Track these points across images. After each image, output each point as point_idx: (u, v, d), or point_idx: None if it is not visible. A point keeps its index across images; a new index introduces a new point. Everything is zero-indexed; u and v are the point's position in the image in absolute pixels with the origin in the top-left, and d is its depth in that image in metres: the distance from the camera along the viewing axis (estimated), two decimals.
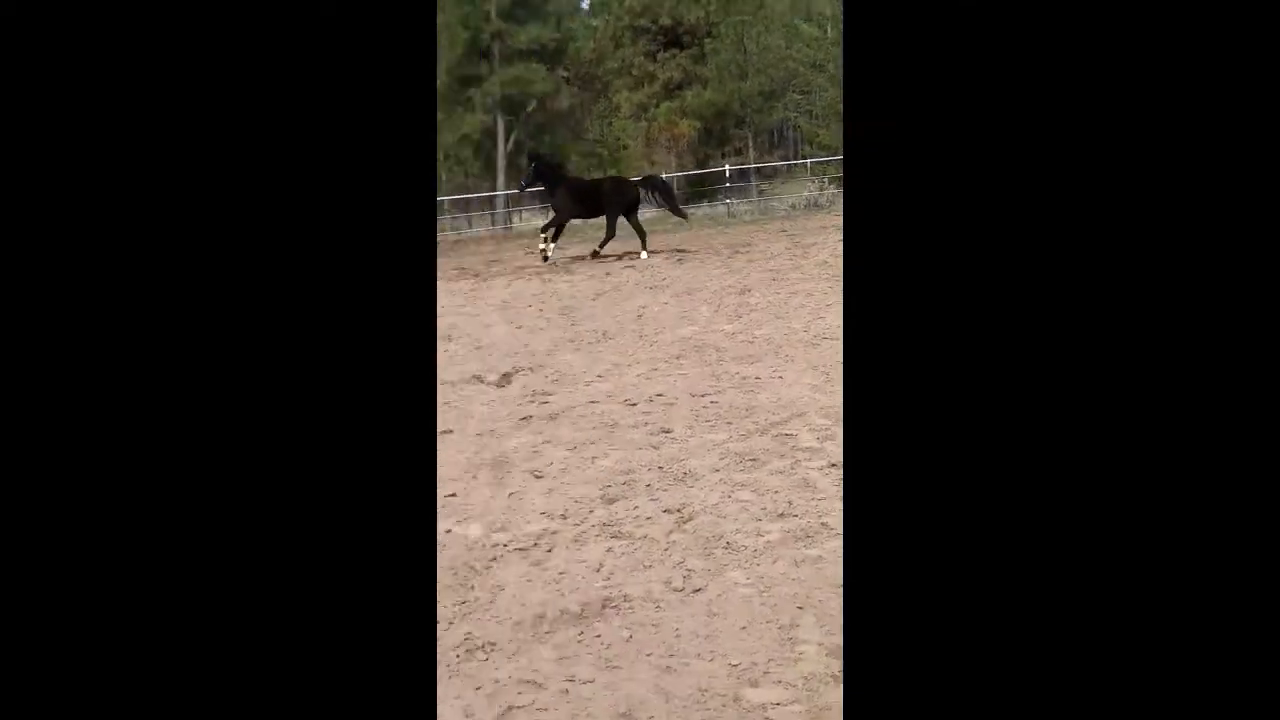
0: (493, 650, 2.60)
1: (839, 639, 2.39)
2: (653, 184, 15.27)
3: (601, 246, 14.19)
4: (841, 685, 2.10)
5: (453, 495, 3.95)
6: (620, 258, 13.87)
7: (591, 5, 39.63)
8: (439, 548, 3.27)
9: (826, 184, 25.34)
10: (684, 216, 16.09)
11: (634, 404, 5.32)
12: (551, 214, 15.03)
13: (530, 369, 6.53)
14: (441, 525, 3.56)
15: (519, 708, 2.29)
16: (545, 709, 2.28)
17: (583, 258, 14.11)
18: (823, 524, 3.30)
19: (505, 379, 6.29)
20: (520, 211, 27.75)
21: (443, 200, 25.98)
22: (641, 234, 14.29)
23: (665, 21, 36.13)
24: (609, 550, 3.25)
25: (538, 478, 4.13)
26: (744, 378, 5.73)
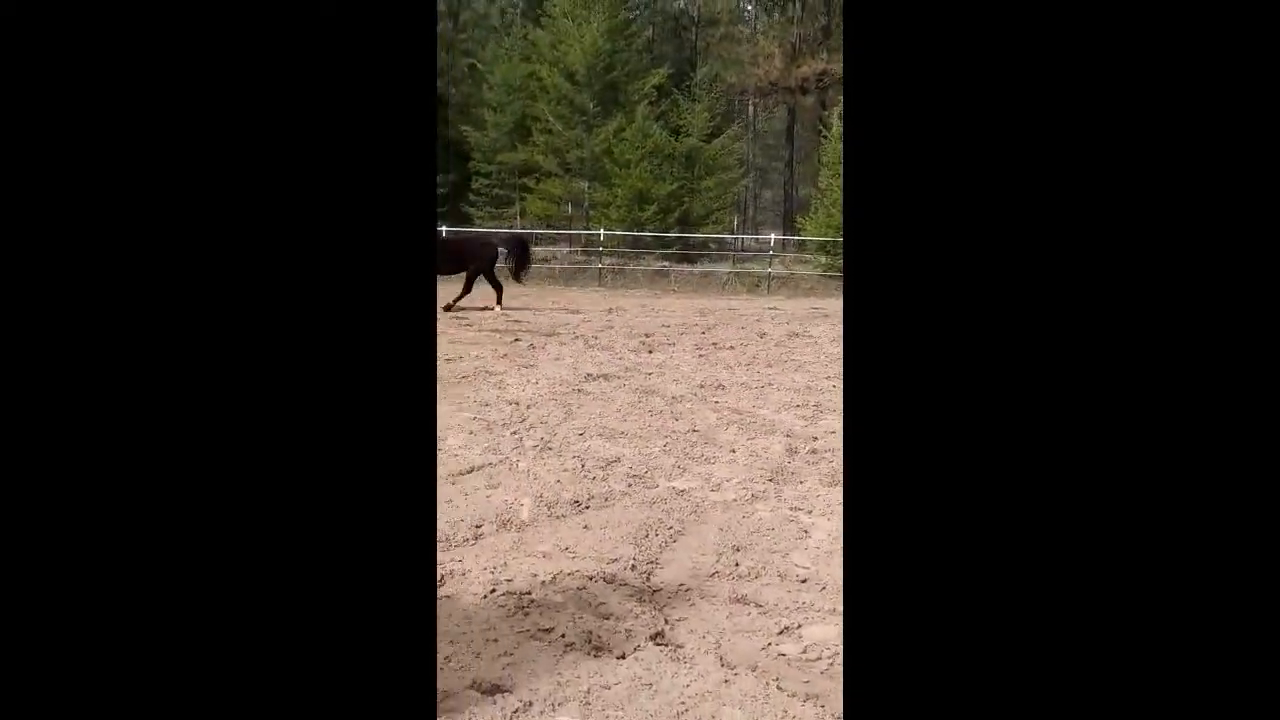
0: None
1: None
2: (516, 246, 15.24)
3: (455, 301, 13.88)
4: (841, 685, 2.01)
5: None
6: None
7: None
8: None
9: None
10: (521, 282, 15.82)
11: None
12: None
13: None
14: None
15: None
16: None
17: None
18: None
19: None
20: None
21: None
22: (499, 289, 14.31)
23: None
24: None
25: None
26: None
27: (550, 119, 25.80)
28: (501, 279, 14.54)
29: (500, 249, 14.91)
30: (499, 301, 14.12)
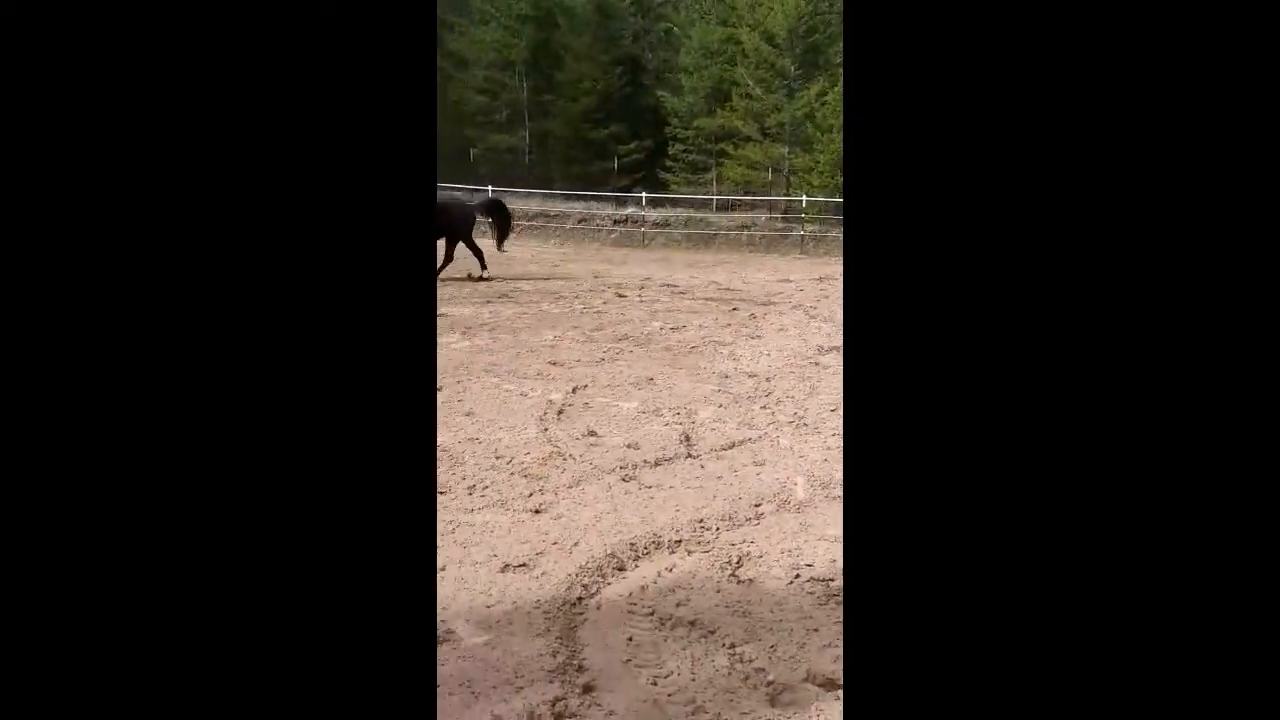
0: None
1: None
2: (494, 209, 14.23)
3: (440, 269, 12.54)
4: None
5: None
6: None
7: None
8: None
9: None
10: (502, 249, 14.60)
11: None
12: None
13: None
14: None
15: None
16: None
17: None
18: None
19: None
20: None
21: None
22: (479, 253, 13.17)
23: None
24: None
25: None
26: None
27: (750, 83, 25.49)
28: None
29: (478, 213, 14.24)
30: (483, 267, 13.15)
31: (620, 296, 11.57)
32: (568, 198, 25.49)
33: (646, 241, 22.84)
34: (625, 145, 28.11)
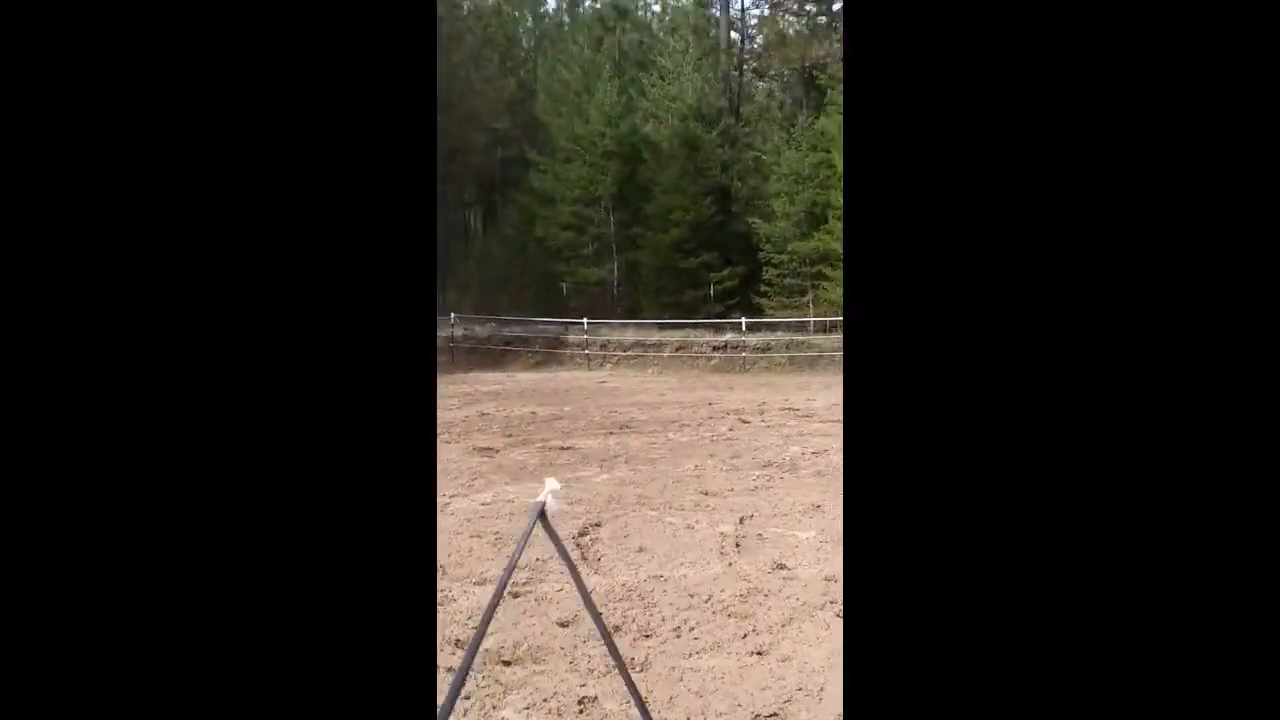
0: None
1: None
2: None
3: None
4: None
5: None
6: None
7: None
8: None
9: None
10: None
11: None
12: None
13: None
14: None
15: None
16: None
17: None
18: None
19: None
20: None
21: None
22: None
23: None
24: None
25: None
26: None
27: None
28: None
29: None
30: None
31: (744, 422, 11.40)
32: (662, 326, 25.60)
33: (748, 366, 22.72)
34: (718, 273, 28.29)
